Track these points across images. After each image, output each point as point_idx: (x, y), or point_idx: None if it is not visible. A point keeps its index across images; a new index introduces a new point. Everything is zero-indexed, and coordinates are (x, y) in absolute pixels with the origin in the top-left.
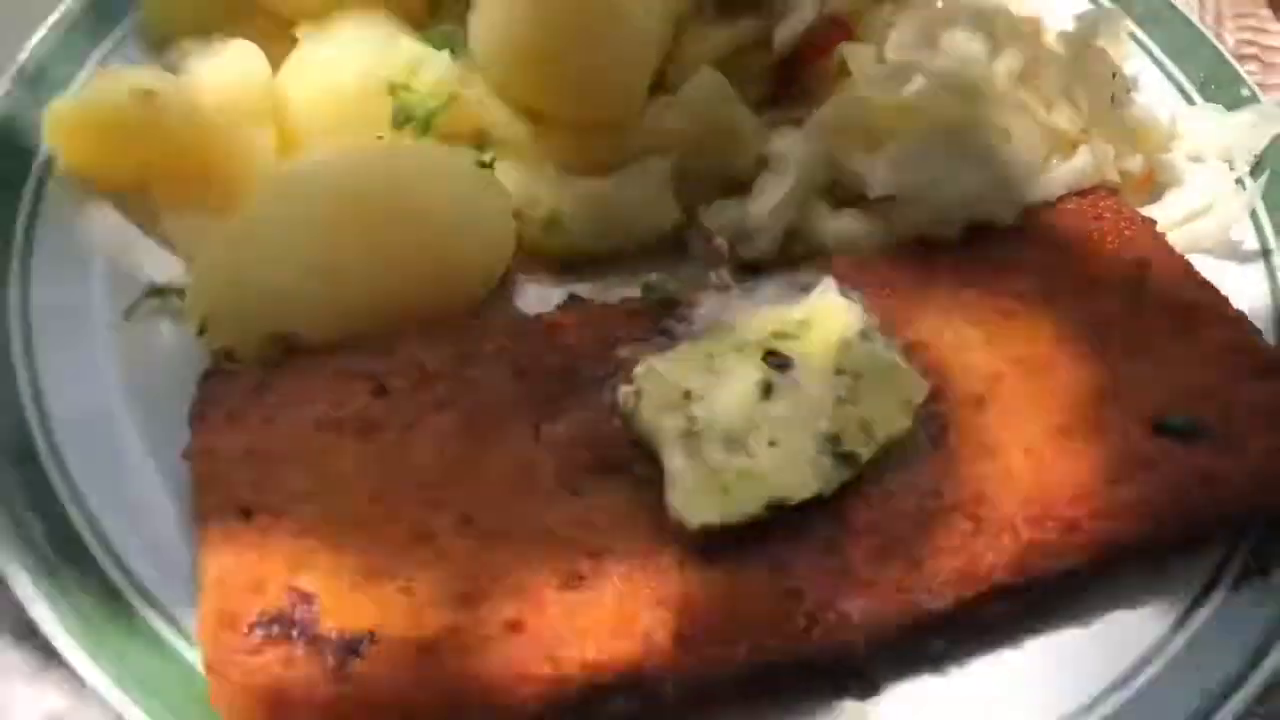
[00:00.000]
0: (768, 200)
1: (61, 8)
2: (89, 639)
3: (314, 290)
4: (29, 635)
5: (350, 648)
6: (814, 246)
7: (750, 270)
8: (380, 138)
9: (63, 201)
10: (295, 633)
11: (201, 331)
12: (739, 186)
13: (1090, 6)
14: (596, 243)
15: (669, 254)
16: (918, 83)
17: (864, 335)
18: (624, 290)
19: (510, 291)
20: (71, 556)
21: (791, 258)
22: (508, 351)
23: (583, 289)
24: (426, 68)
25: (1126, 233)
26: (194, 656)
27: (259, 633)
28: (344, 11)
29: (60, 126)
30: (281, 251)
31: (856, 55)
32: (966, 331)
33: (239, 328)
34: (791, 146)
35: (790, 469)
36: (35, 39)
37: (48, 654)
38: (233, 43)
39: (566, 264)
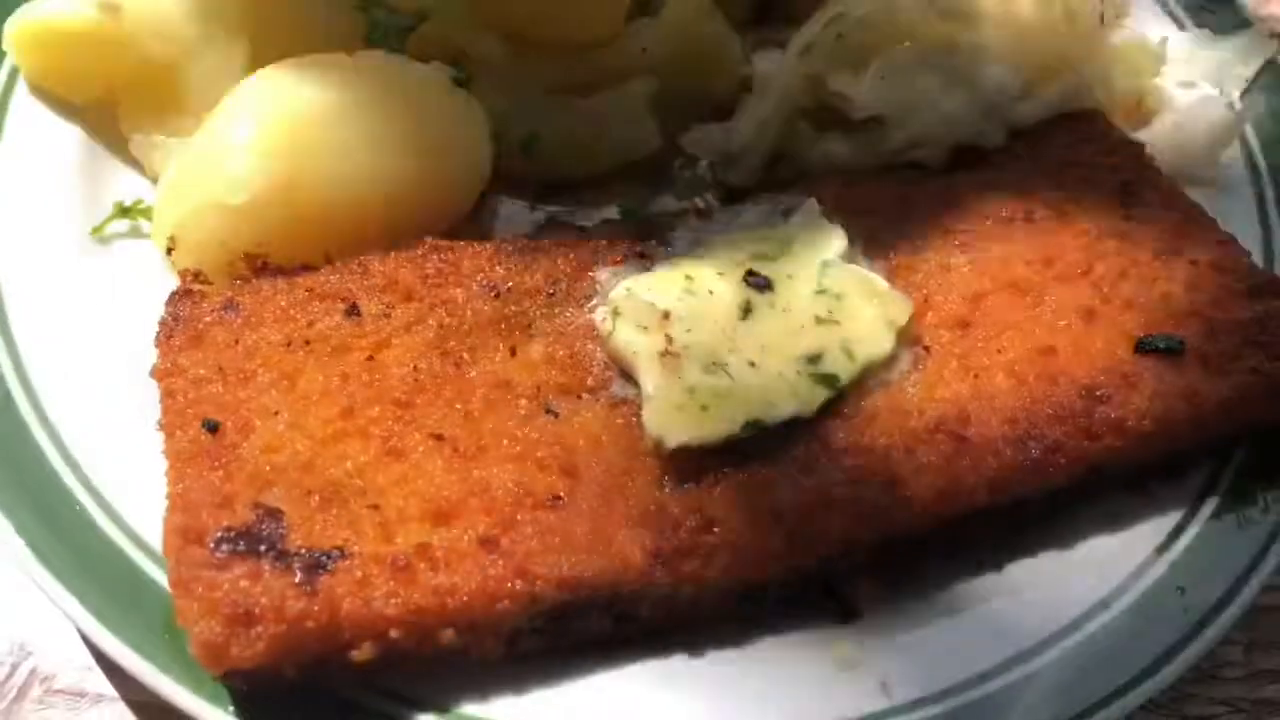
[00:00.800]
0: (750, 121)
1: None
2: (56, 560)
3: (281, 208)
4: None
5: (318, 563)
6: (799, 170)
7: (734, 195)
8: (349, 53)
9: (27, 117)
10: (262, 548)
11: (169, 251)
12: (722, 110)
13: None
14: (575, 166)
15: (650, 178)
16: (903, 0)
17: (846, 257)
18: (603, 214)
19: (488, 214)
20: (38, 478)
21: (776, 182)
22: (484, 272)
23: (562, 214)
24: None
25: (1114, 155)
26: (161, 576)
27: (225, 548)
28: None
29: (22, 41)
30: (247, 168)
31: None
32: (951, 254)
33: (206, 247)
34: (775, 67)
35: (770, 389)
36: None
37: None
38: None
39: (545, 187)
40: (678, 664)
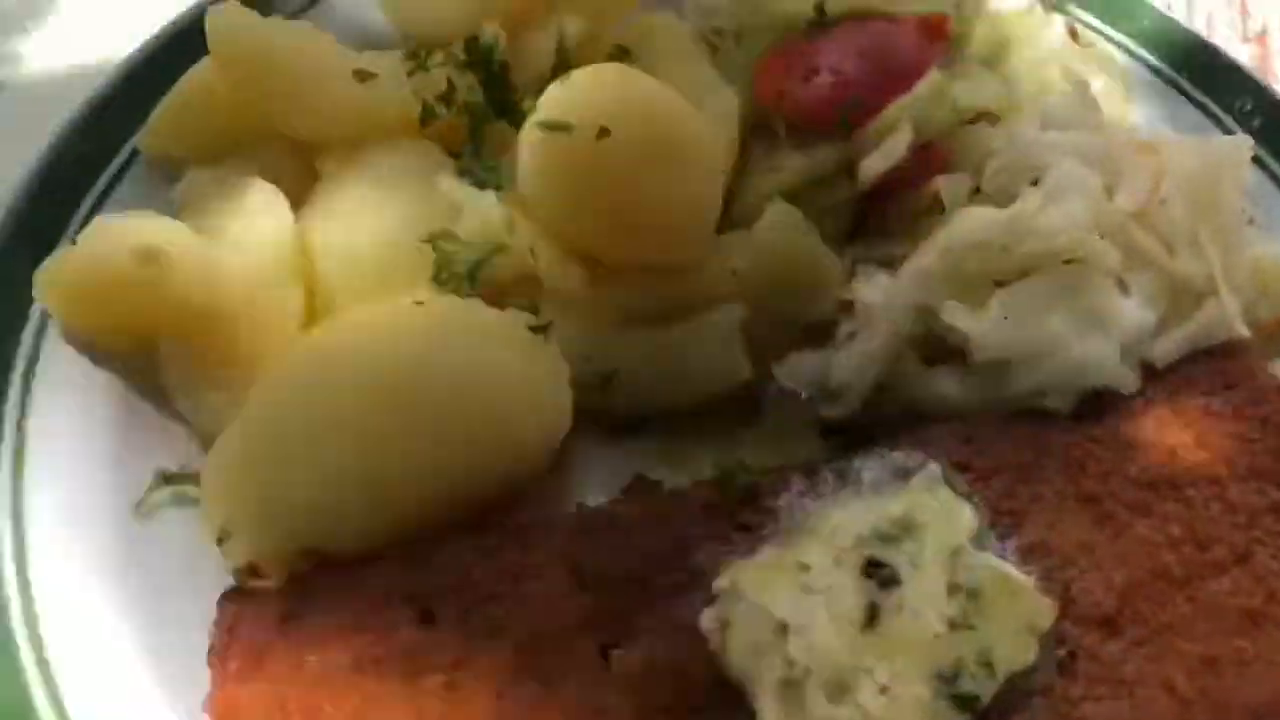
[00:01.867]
0: (854, 355)
1: (56, 132)
2: None
3: (348, 497)
4: None
5: None
6: (904, 406)
7: (832, 431)
8: (419, 303)
9: (60, 373)
10: None
11: (220, 542)
12: (817, 333)
13: (1211, 130)
14: (658, 401)
15: (739, 412)
16: (1027, 229)
17: (977, 540)
18: (693, 461)
19: (564, 460)
20: None
21: (879, 419)
22: (568, 556)
23: (646, 455)
24: (470, 211)
25: (1263, 405)
26: None
27: None
28: (373, 140)
29: (54, 289)
30: (310, 452)
31: (954, 191)
32: (1090, 529)
33: (263, 541)
34: (882, 295)
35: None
36: (27, 174)
37: None
38: (251, 185)
39: (624, 426)
40: None
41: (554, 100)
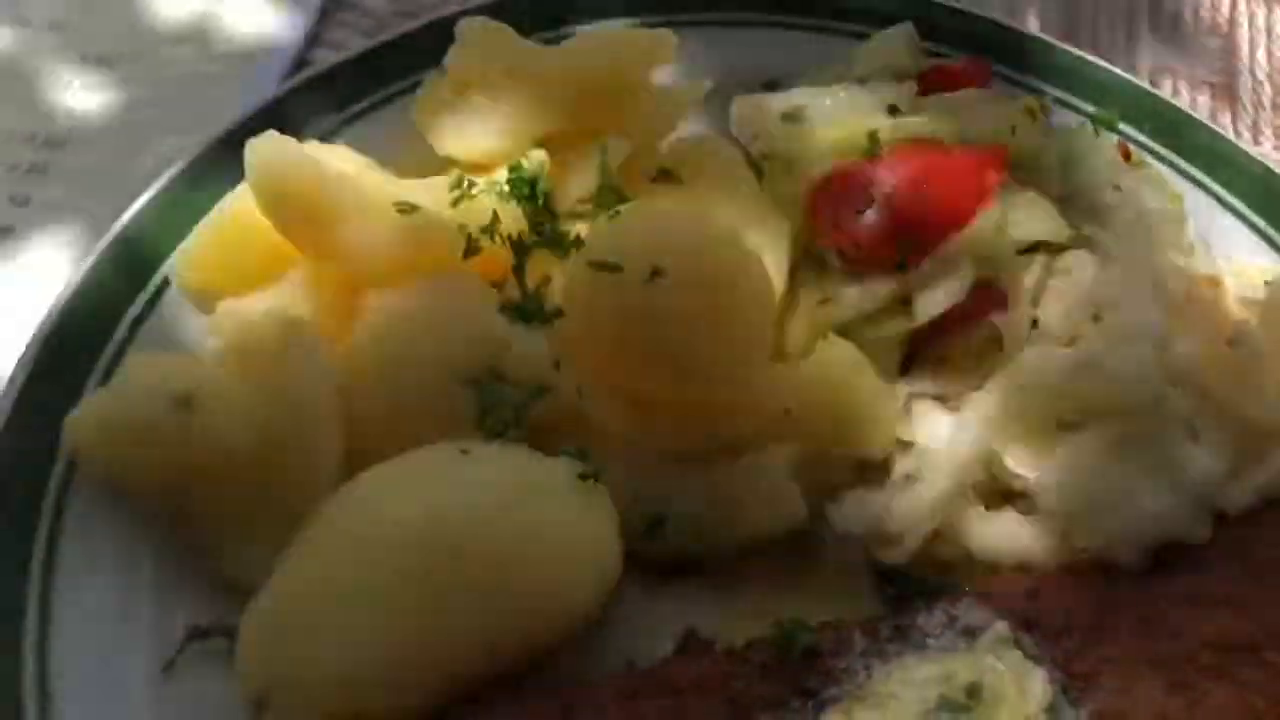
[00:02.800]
0: (913, 499)
1: (87, 263)
2: None
3: (391, 667)
4: None
5: None
6: (964, 552)
7: (888, 577)
8: (465, 451)
9: (88, 523)
10: None
11: (259, 709)
12: (872, 471)
13: (1269, 254)
14: (710, 544)
15: (791, 555)
16: (1095, 374)
17: (1051, 711)
18: (745, 606)
19: (609, 607)
20: None
21: (936, 564)
22: None
23: (697, 601)
24: (516, 352)
25: None
26: None
27: None
28: (416, 273)
29: (84, 434)
30: (347, 619)
31: (1014, 329)
32: (1165, 699)
33: (302, 711)
34: (942, 438)
35: None
36: (53, 308)
37: None
38: (288, 324)
39: (673, 569)
40: None
41: (603, 238)
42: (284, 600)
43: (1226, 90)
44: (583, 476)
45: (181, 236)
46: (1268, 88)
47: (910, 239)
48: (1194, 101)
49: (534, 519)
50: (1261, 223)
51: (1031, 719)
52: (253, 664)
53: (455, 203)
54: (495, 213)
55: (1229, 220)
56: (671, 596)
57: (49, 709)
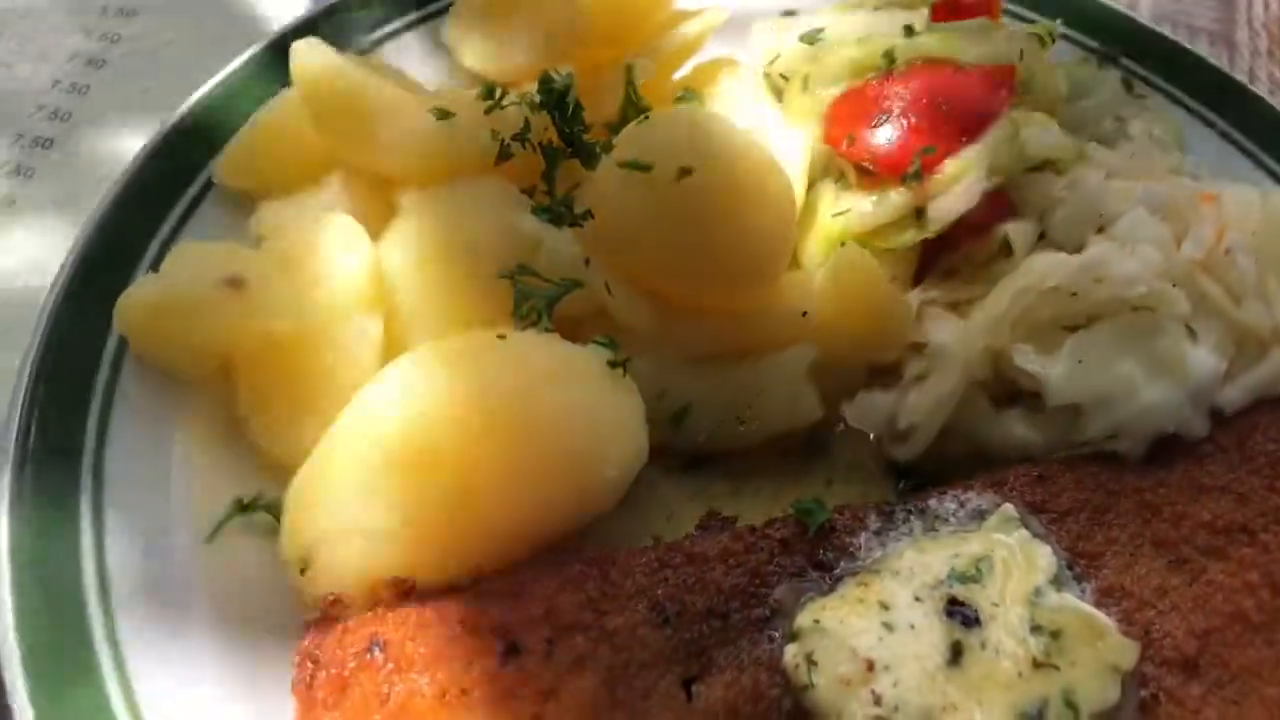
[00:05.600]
0: (924, 397)
1: (132, 161)
2: None
3: (432, 526)
4: None
5: None
6: (972, 447)
7: (900, 473)
8: (502, 336)
9: (137, 401)
10: None
11: (302, 571)
12: (885, 374)
13: (1263, 180)
14: (728, 439)
15: (808, 451)
16: (1100, 276)
17: (1056, 582)
18: (761, 498)
19: (638, 496)
20: None
21: (946, 459)
22: (648, 593)
23: (716, 491)
24: (547, 247)
25: None
26: None
27: None
28: (450, 176)
29: (135, 315)
30: (395, 481)
31: (1022, 236)
32: (1166, 574)
33: (346, 570)
34: (952, 339)
35: None
36: (103, 201)
37: None
38: (330, 217)
39: (696, 461)
40: None
41: (633, 140)
42: (329, 469)
43: (1224, 38)
44: (611, 364)
45: (224, 140)
46: (1264, 36)
47: (925, 153)
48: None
49: (567, 398)
50: (1258, 151)
51: (1038, 590)
52: (297, 527)
53: (488, 111)
54: (526, 120)
55: (1228, 148)
56: (694, 486)
57: (104, 570)
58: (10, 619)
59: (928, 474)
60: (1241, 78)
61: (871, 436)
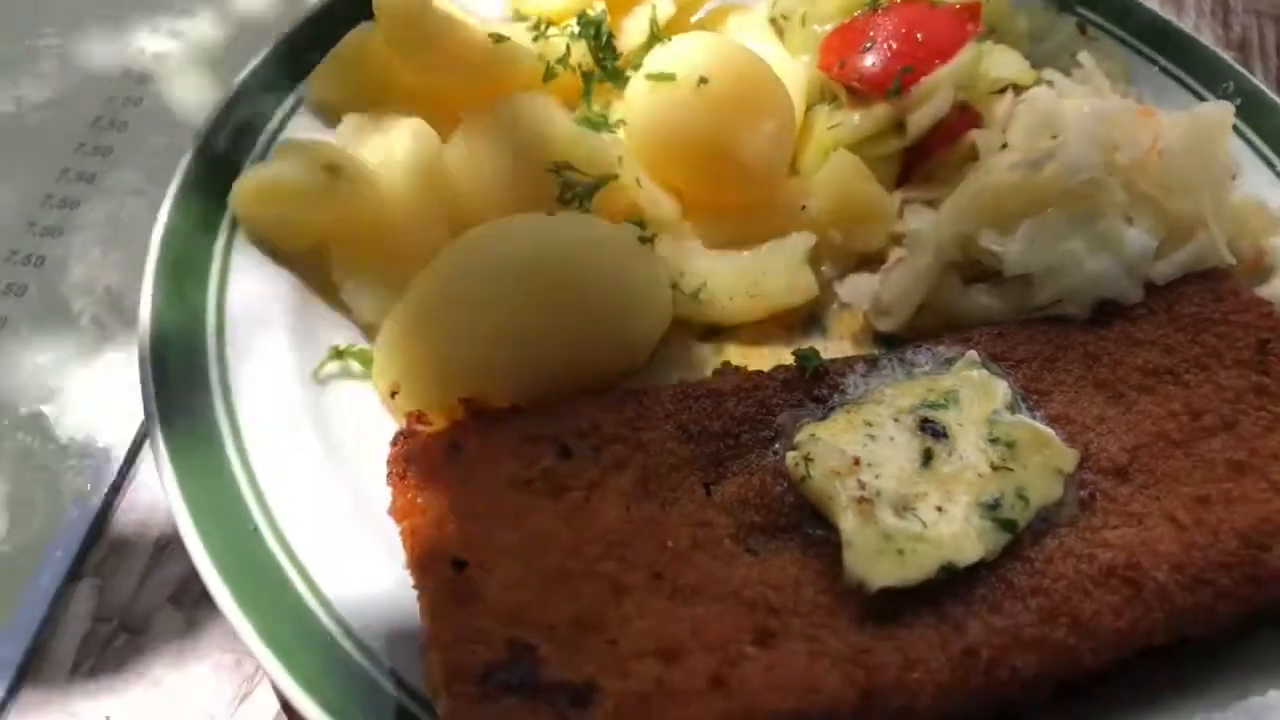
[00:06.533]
0: (904, 275)
1: (235, 83)
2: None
3: (497, 357)
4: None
5: (581, 697)
6: (945, 319)
7: (885, 341)
8: (550, 213)
9: (249, 266)
10: (522, 682)
11: (392, 394)
12: (872, 261)
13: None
14: (739, 312)
15: (806, 323)
16: (1049, 169)
17: (1011, 407)
18: (768, 358)
19: (665, 355)
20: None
21: (924, 329)
22: (674, 417)
23: (730, 355)
24: (586, 147)
25: (1246, 313)
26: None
27: (492, 683)
28: (503, 92)
29: (248, 197)
30: (469, 318)
31: (987, 142)
32: (1104, 407)
33: (429, 393)
34: (927, 225)
35: (957, 534)
36: (212, 113)
37: None
38: (403, 120)
39: (711, 331)
40: None
41: (659, 57)
42: (415, 311)
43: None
44: (641, 239)
45: (314, 64)
46: None
47: (904, 74)
48: None
49: (607, 260)
50: (1196, 85)
51: (996, 411)
52: (389, 360)
53: (535, 39)
54: (568, 47)
55: (1169, 83)
56: (710, 351)
57: (230, 401)
58: (164, 450)
59: (908, 344)
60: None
61: (861, 313)
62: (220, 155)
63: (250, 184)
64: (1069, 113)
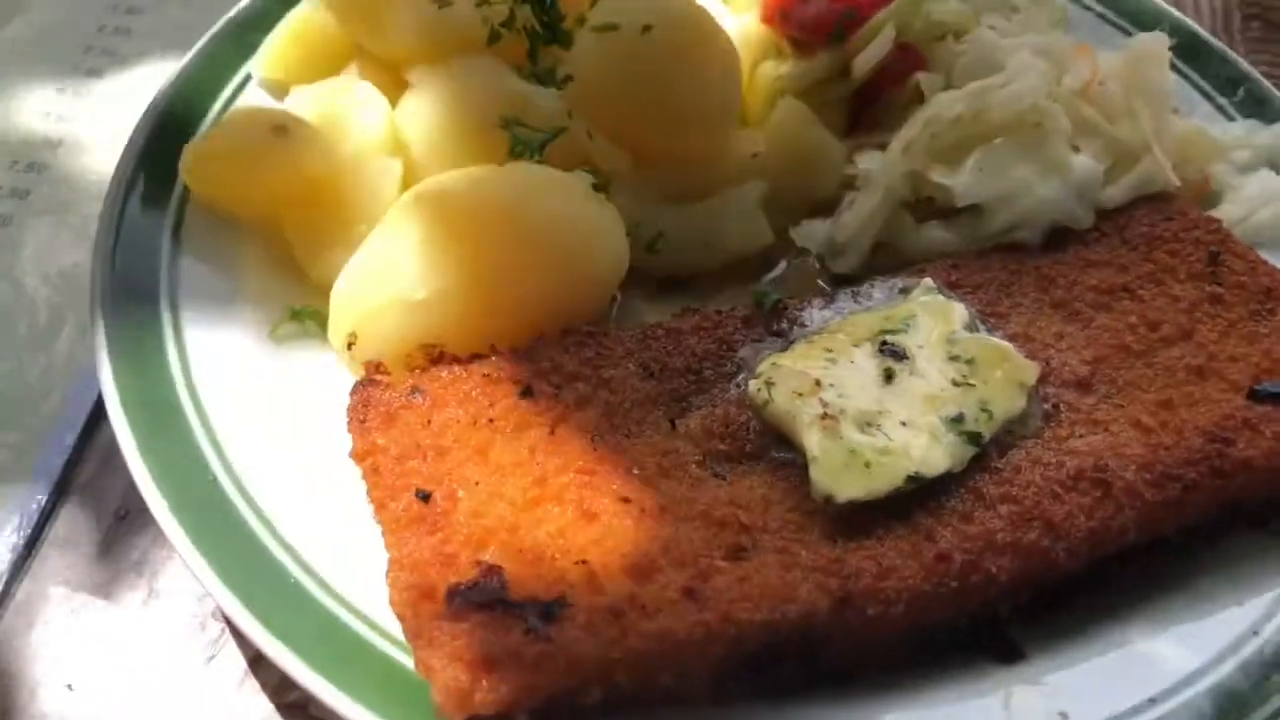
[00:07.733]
0: (856, 215)
1: (183, 62)
2: (296, 636)
3: (453, 303)
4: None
5: (548, 613)
6: (900, 258)
7: (841, 283)
8: (502, 165)
9: (202, 233)
10: (493, 601)
11: (349, 346)
12: (825, 207)
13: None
14: (695, 261)
15: (762, 270)
16: (994, 99)
17: (970, 328)
18: (727, 303)
19: (625, 309)
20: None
21: (879, 269)
22: (636, 355)
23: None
24: (535, 103)
25: (1195, 230)
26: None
27: (458, 601)
28: (450, 56)
29: (198, 163)
30: (422, 267)
31: (931, 84)
32: (1062, 325)
33: (386, 341)
34: (877, 165)
35: (923, 447)
36: (164, 87)
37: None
38: (352, 84)
39: (667, 281)
40: (863, 705)
41: (604, 9)
42: (366, 267)
43: None
44: (595, 187)
45: (260, 41)
46: None
47: (846, 19)
48: None
49: (560, 202)
50: (1130, 27)
51: (955, 333)
52: (344, 310)
53: (479, 4)
54: (511, 10)
55: (1104, 27)
56: (668, 305)
57: (185, 360)
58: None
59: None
60: None
61: (814, 258)
62: (170, 129)
63: (199, 149)
64: (1008, 49)
